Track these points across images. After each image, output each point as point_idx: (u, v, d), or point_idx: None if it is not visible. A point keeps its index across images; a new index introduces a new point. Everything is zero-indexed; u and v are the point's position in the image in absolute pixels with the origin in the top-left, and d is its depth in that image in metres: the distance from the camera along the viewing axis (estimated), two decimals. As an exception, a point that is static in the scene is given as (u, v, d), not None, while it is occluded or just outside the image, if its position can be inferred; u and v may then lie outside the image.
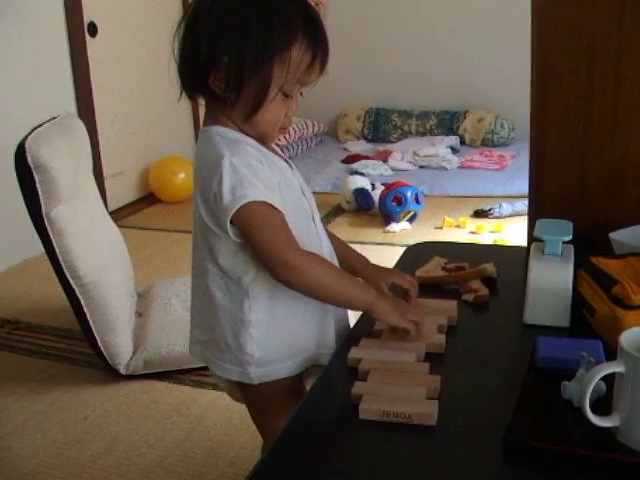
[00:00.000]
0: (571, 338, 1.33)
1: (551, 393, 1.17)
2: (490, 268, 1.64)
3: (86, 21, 4.83)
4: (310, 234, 1.48)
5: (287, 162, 1.50)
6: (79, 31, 4.76)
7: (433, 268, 1.70)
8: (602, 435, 1.06)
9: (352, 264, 1.60)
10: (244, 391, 1.54)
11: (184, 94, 1.44)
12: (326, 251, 1.51)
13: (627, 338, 1.05)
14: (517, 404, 1.13)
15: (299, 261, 1.34)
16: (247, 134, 1.40)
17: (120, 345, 2.88)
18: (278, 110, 1.38)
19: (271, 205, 1.33)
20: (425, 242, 2.01)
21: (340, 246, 1.62)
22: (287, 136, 6.19)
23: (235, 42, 1.31)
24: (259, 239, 1.34)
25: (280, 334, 1.46)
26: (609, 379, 1.07)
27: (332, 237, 1.61)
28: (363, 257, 1.64)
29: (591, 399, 1.04)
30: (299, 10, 1.35)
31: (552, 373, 1.20)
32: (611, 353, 1.09)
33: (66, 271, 2.76)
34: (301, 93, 1.44)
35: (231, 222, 1.33)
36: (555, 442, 1.06)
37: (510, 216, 4.68)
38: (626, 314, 1.26)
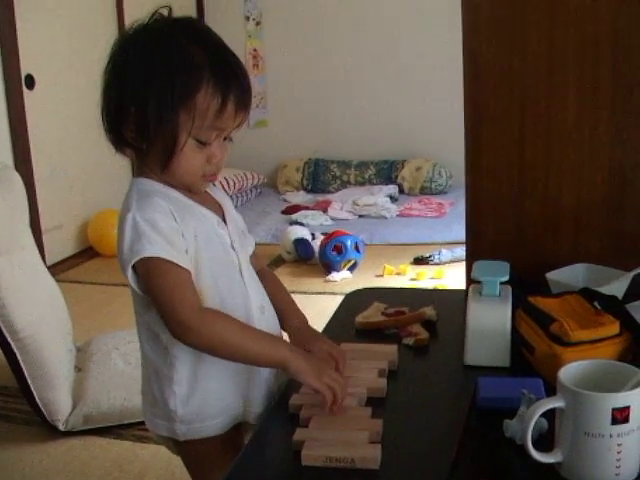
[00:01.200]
0: (511, 377, 1.34)
1: (493, 432, 1.17)
2: (429, 311, 1.65)
3: (23, 73, 4.80)
4: (235, 287, 1.43)
5: (223, 215, 1.48)
6: (16, 83, 4.74)
7: (373, 313, 1.70)
8: (545, 471, 1.06)
9: (286, 322, 1.54)
10: (177, 446, 1.50)
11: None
12: (254, 305, 1.45)
13: (566, 373, 1.06)
14: (460, 444, 1.14)
15: (194, 321, 1.29)
16: (171, 184, 1.37)
17: (59, 401, 2.82)
18: (195, 158, 1.34)
19: (170, 262, 1.29)
20: (365, 288, 2.01)
21: (282, 301, 1.57)
22: (227, 188, 6.19)
23: (139, 92, 1.30)
24: (155, 297, 1.31)
25: (204, 392, 1.41)
26: (550, 416, 1.08)
27: (277, 291, 1.57)
28: (300, 317, 1.56)
29: (533, 436, 1.04)
30: (208, 54, 1.32)
31: (494, 412, 1.21)
32: (551, 391, 1.10)
33: (2, 326, 2.70)
34: (230, 139, 1.39)
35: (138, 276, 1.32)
36: (499, 480, 1.06)
37: (450, 262, 4.74)
38: (565, 351, 1.28)
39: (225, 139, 1.38)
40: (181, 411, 1.41)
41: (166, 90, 1.29)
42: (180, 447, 1.49)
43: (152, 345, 1.41)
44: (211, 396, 1.42)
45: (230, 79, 1.33)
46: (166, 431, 1.45)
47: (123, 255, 1.30)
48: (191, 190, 1.40)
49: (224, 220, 1.47)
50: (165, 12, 1.37)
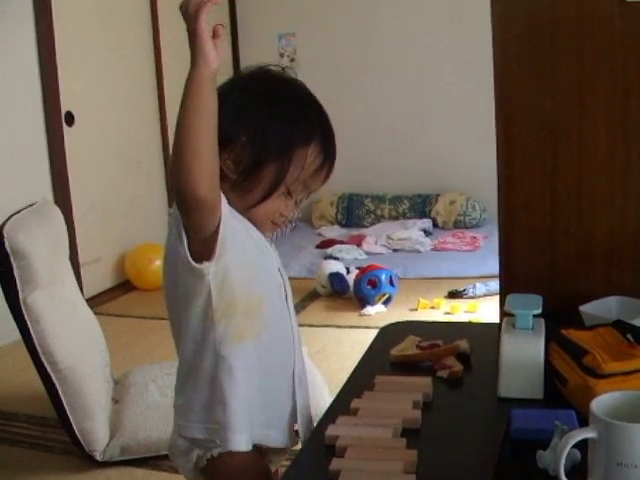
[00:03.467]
0: (545, 409, 1.35)
1: (527, 463, 1.18)
2: (463, 345, 1.66)
3: (63, 110, 4.90)
4: (280, 306, 1.49)
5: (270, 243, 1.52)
6: (56, 120, 4.84)
7: (408, 346, 1.72)
8: (578, 502, 1.07)
9: None
10: (208, 472, 1.48)
11: None
12: (295, 330, 1.51)
13: (598, 404, 1.07)
14: (494, 476, 1.15)
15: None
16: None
17: (96, 431, 2.86)
18: (276, 205, 1.40)
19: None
20: (399, 322, 2.03)
21: None
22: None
23: (260, 125, 1.34)
24: None
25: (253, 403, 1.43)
26: (583, 447, 1.09)
27: None
28: None
29: (566, 467, 1.05)
30: (318, 115, 1.41)
31: (527, 444, 1.21)
32: (584, 422, 1.10)
33: (42, 356, 2.75)
34: (301, 200, 1.46)
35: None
36: (532, 511, 1.07)
37: (484, 296, 4.74)
38: (597, 383, 1.28)
39: (296, 202, 1.43)
40: (229, 419, 1.40)
41: (289, 130, 1.34)
42: (208, 467, 1.46)
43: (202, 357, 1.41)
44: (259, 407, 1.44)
45: (332, 145, 1.42)
46: (203, 438, 1.44)
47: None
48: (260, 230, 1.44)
49: (272, 246, 1.53)
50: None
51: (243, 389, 1.41)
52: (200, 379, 1.42)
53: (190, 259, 1.32)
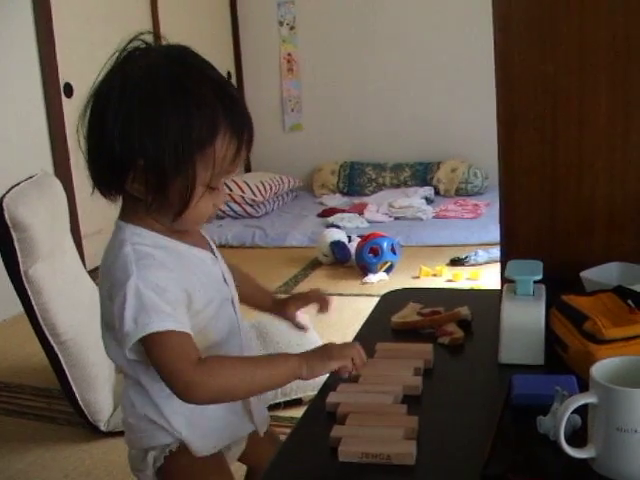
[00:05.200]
0: (545, 375, 1.36)
1: (527, 429, 1.19)
2: (464, 311, 1.67)
3: (62, 82, 4.88)
4: (230, 320, 1.45)
5: (212, 250, 1.45)
6: (55, 92, 4.82)
7: (409, 313, 1.72)
8: (579, 467, 1.07)
9: (260, 305, 1.64)
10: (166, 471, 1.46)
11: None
12: (243, 332, 1.49)
13: (598, 370, 1.08)
14: (494, 441, 1.15)
15: (199, 376, 1.24)
16: (166, 229, 1.33)
17: (100, 402, 2.87)
18: (206, 206, 1.29)
19: (174, 331, 1.24)
20: (400, 289, 2.03)
21: (249, 287, 1.62)
22: (263, 192, 6.24)
23: (150, 142, 1.20)
24: (159, 366, 1.25)
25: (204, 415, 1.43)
26: (583, 412, 1.10)
27: (244, 279, 1.60)
28: (269, 294, 1.68)
29: (567, 432, 1.06)
30: (216, 91, 1.24)
31: (528, 409, 1.22)
32: (585, 388, 1.11)
33: (45, 329, 2.76)
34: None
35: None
36: (533, 475, 1.07)
37: (486, 263, 4.74)
38: (598, 349, 1.29)
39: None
40: (185, 431, 1.41)
41: (183, 138, 1.20)
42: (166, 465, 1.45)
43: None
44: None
45: (243, 115, 1.28)
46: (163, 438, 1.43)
47: (125, 327, 1.23)
48: (192, 230, 1.38)
49: (214, 255, 1.45)
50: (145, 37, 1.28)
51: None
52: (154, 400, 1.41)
53: (128, 356, 1.30)
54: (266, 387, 1.38)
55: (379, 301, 1.91)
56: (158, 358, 1.25)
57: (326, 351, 1.36)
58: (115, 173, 1.25)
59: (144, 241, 1.30)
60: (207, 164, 1.23)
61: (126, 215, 1.33)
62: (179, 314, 1.27)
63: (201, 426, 1.43)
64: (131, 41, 1.26)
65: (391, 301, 1.87)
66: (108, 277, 1.30)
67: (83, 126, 1.28)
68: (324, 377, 1.45)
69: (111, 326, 1.31)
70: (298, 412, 1.44)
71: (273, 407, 2.94)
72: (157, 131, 1.20)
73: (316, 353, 1.36)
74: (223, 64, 6.96)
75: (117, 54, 1.26)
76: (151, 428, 1.42)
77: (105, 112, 1.23)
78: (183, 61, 1.26)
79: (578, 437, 1.10)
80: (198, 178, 1.24)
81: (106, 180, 1.29)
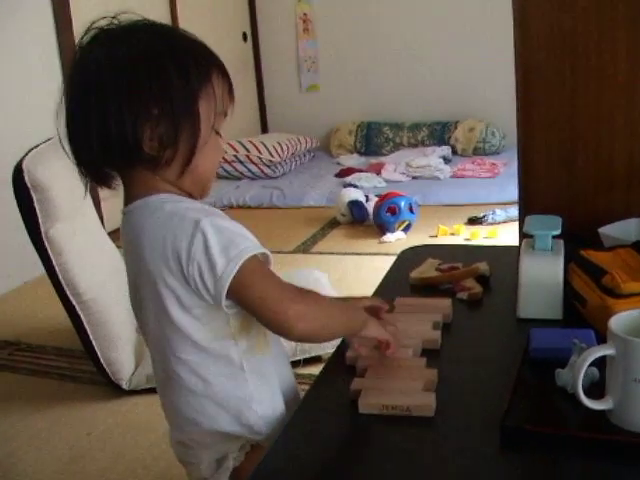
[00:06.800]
0: (563, 329, 1.36)
1: (546, 381, 1.20)
2: (483, 267, 1.67)
3: (77, 41, 4.86)
4: None
5: None
6: (71, 52, 4.80)
7: (427, 269, 1.73)
8: (596, 418, 1.09)
9: None
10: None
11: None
12: None
13: (616, 322, 1.08)
14: (513, 393, 1.16)
15: (306, 306, 1.22)
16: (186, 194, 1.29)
17: (122, 361, 2.91)
18: (215, 153, 1.29)
19: (267, 255, 1.23)
20: (418, 245, 2.04)
21: None
22: (280, 152, 6.23)
23: (160, 92, 1.21)
24: (263, 298, 1.20)
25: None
26: (601, 366, 1.11)
27: None
28: None
29: (584, 385, 1.07)
30: (191, 41, 1.28)
31: (546, 363, 1.23)
32: (603, 342, 1.11)
33: (66, 289, 2.79)
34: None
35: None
36: (551, 426, 1.09)
37: (504, 222, 4.72)
38: (616, 303, 1.29)
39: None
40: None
41: (188, 81, 1.22)
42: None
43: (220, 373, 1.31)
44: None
45: (219, 59, 1.30)
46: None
47: (218, 270, 1.17)
48: (202, 195, 1.33)
49: None
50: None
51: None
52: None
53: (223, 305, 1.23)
54: (342, 332, 1.37)
55: (397, 258, 1.92)
56: (260, 288, 1.20)
57: (378, 321, 1.37)
58: (130, 140, 1.21)
59: (178, 200, 1.26)
60: (209, 102, 1.24)
61: (137, 194, 1.28)
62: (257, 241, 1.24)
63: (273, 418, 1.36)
64: (87, 31, 1.31)
65: (409, 258, 1.88)
66: (164, 252, 1.20)
67: (71, 121, 1.28)
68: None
69: (187, 298, 1.23)
70: (317, 369, 1.44)
71: (293, 364, 2.97)
72: (163, 79, 1.21)
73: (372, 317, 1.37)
74: (238, 25, 6.93)
75: (77, 50, 1.31)
76: (224, 439, 1.36)
77: (94, 94, 1.22)
78: (149, 26, 1.29)
79: (596, 389, 1.12)
80: (203, 117, 1.23)
81: (120, 152, 1.23)
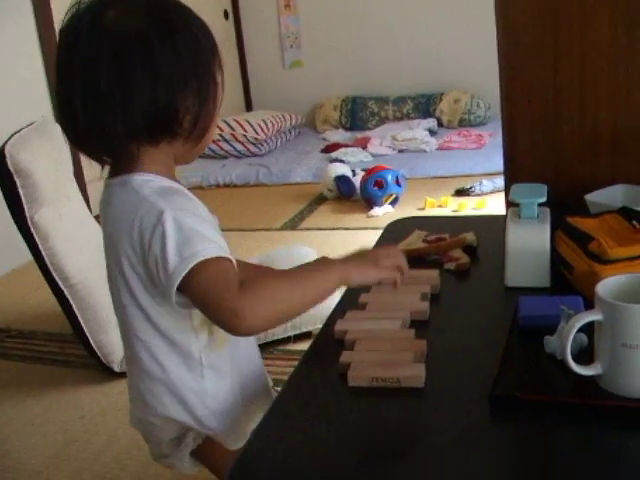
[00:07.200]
0: (551, 296, 1.36)
1: (534, 349, 1.20)
2: (470, 237, 1.67)
3: (57, 27, 4.81)
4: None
5: None
6: (51, 37, 4.76)
7: (414, 241, 1.73)
8: (585, 383, 1.09)
9: None
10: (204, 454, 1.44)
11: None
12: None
13: (604, 287, 1.08)
14: (502, 361, 1.16)
15: (245, 301, 1.15)
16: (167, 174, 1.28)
17: (113, 343, 2.90)
18: (216, 123, 1.32)
19: (219, 257, 1.18)
20: (405, 217, 2.04)
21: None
22: (265, 130, 6.21)
23: (193, 66, 1.22)
24: (205, 300, 1.18)
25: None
26: (590, 332, 1.11)
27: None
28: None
29: (573, 351, 1.07)
30: (195, 16, 1.28)
31: (535, 330, 1.23)
32: (591, 308, 1.11)
33: (54, 273, 2.78)
34: None
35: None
36: (541, 393, 1.09)
37: (491, 192, 4.72)
38: (603, 269, 1.29)
39: None
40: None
41: (204, 51, 1.25)
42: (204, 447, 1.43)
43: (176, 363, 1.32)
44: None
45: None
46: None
47: (170, 264, 1.16)
48: (193, 159, 1.36)
49: None
50: None
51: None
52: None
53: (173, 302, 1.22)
54: (315, 301, 1.26)
55: (384, 230, 1.93)
56: (204, 290, 1.17)
57: (371, 257, 1.32)
58: (172, 114, 1.21)
59: (159, 182, 1.26)
60: (219, 70, 1.27)
61: (126, 168, 1.27)
62: (219, 239, 1.22)
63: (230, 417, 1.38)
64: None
65: (396, 230, 1.88)
66: (132, 234, 1.21)
67: (85, 108, 1.26)
68: (330, 308, 1.46)
69: (149, 283, 1.24)
70: (308, 345, 1.45)
71: (283, 341, 2.98)
72: (197, 54, 1.23)
73: (359, 259, 1.33)
74: (219, 3, 6.88)
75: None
76: (177, 427, 1.40)
77: (149, 56, 1.20)
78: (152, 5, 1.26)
79: (585, 355, 1.12)
80: (219, 84, 1.27)
81: (163, 126, 1.22)
